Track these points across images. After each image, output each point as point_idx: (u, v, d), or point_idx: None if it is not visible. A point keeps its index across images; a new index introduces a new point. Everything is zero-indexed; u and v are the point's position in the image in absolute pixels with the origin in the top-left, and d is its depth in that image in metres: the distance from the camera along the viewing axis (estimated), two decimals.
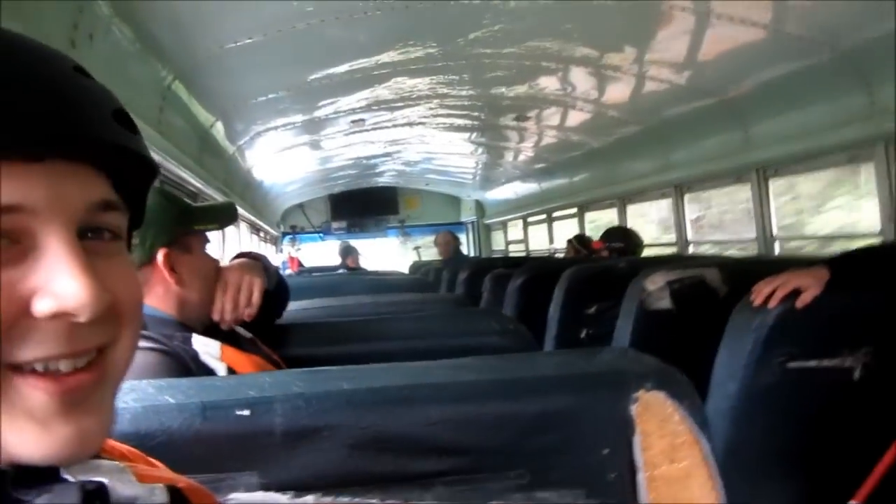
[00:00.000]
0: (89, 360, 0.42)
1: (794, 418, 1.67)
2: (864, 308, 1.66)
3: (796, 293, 1.61)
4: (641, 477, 0.89)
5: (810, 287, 1.61)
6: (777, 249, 3.57)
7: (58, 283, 0.40)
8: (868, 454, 1.64)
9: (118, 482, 0.45)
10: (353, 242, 7.28)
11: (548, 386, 0.91)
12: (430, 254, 8.39)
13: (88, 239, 0.43)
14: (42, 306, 0.40)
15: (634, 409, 0.88)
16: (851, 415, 1.68)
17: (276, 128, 4.53)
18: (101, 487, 0.43)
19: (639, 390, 0.88)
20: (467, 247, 9.54)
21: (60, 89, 0.42)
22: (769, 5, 2.48)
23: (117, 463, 0.48)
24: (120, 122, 0.44)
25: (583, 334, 2.68)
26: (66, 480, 0.44)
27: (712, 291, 2.15)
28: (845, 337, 1.67)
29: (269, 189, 6.69)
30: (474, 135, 5.73)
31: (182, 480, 0.53)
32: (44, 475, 0.43)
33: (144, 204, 0.52)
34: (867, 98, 2.74)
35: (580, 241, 4.92)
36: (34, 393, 0.40)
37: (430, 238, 8.24)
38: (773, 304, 1.62)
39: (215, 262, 1.32)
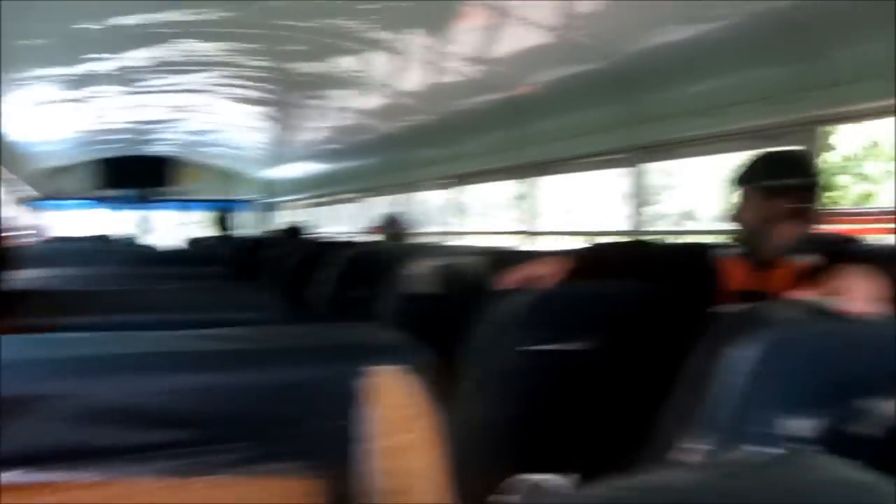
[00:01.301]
0: None
1: (532, 399, 1.81)
2: (596, 297, 1.84)
3: (539, 279, 1.77)
4: (371, 449, 0.91)
5: (551, 274, 1.77)
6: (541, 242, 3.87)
7: None
8: (597, 432, 1.83)
9: None
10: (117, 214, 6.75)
11: (283, 358, 0.91)
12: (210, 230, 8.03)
13: None
14: None
15: (369, 383, 0.90)
16: (582, 396, 1.85)
17: (37, 78, 4.07)
18: None
19: (375, 364, 0.91)
20: (250, 226, 9.23)
21: None
22: (559, 11, 2.67)
23: None
24: None
25: (348, 317, 2.70)
26: None
27: (474, 278, 2.26)
28: (581, 323, 1.84)
29: (21, 146, 5.99)
30: (266, 109, 5.57)
31: None
32: None
33: None
34: (627, 107, 3.05)
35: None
36: None
37: (211, 214, 7.88)
38: (512, 286, 1.76)
39: None
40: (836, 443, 1.29)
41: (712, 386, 1.15)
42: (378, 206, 5.96)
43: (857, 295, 1.25)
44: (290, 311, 1.64)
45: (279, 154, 7.50)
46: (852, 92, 2.22)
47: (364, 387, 0.90)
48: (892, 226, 2.19)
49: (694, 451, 1.15)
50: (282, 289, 3.00)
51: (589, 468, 1.79)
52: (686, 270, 1.94)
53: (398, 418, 0.93)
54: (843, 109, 2.29)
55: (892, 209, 2.23)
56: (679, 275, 1.94)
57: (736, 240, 1.95)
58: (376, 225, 4.17)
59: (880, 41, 2.11)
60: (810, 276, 1.58)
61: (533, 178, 3.87)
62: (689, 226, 3.22)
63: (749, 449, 1.03)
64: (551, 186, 3.90)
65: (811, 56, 2.33)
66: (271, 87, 4.70)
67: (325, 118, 5.44)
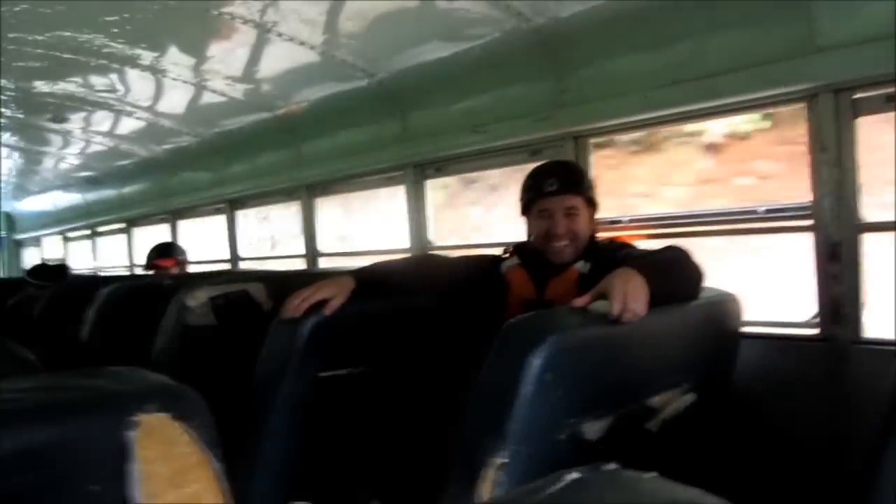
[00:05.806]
0: None
1: (328, 424, 1.74)
2: (381, 315, 1.82)
3: (324, 303, 1.70)
4: None
5: (336, 296, 1.71)
6: (322, 264, 3.78)
7: None
8: (395, 452, 1.80)
9: None
10: None
11: (30, 416, 0.76)
12: None
13: None
14: None
15: (134, 435, 0.78)
16: (377, 417, 1.81)
17: None
18: None
19: (139, 413, 0.79)
20: None
21: None
22: (322, 29, 2.61)
23: None
24: None
25: (113, 361, 2.43)
26: None
27: (256, 305, 2.14)
28: (366, 347, 1.80)
29: None
30: (5, 135, 4.89)
31: None
32: None
33: None
34: (400, 123, 3.07)
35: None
36: None
37: None
38: (298, 313, 1.68)
39: None
40: (626, 440, 1.36)
41: (506, 396, 1.15)
42: (145, 237, 5.53)
43: (618, 296, 1.33)
44: (37, 364, 1.42)
45: (25, 185, 6.66)
46: (604, 108, 2.39)
47: (129, 441, 0.77)
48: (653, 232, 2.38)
49: (495, 463, 1.14)
50: (41, 333, 2.64)
51: (393, 489, 1.75)
52: (473, 281, 1.96)
53: (173, 472, 0.81)
54: (600, 125, 2.44)
55: (654, 216, 2.42)
56: (466, 286, 1.96)
57: (517, 249, 2.01)
58: (150, 256, 3.86)
59: (623, 60, 2.30)
60: (588, 282, 1.66)
61: (309, 199, 3.77)
62: (477, 239, 3.27)
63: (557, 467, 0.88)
64: (330, 206, 3.82)
65: (564, 73, 2.48)
66: (7, 110, 4.12)
67: (78, 143, 4.90)
